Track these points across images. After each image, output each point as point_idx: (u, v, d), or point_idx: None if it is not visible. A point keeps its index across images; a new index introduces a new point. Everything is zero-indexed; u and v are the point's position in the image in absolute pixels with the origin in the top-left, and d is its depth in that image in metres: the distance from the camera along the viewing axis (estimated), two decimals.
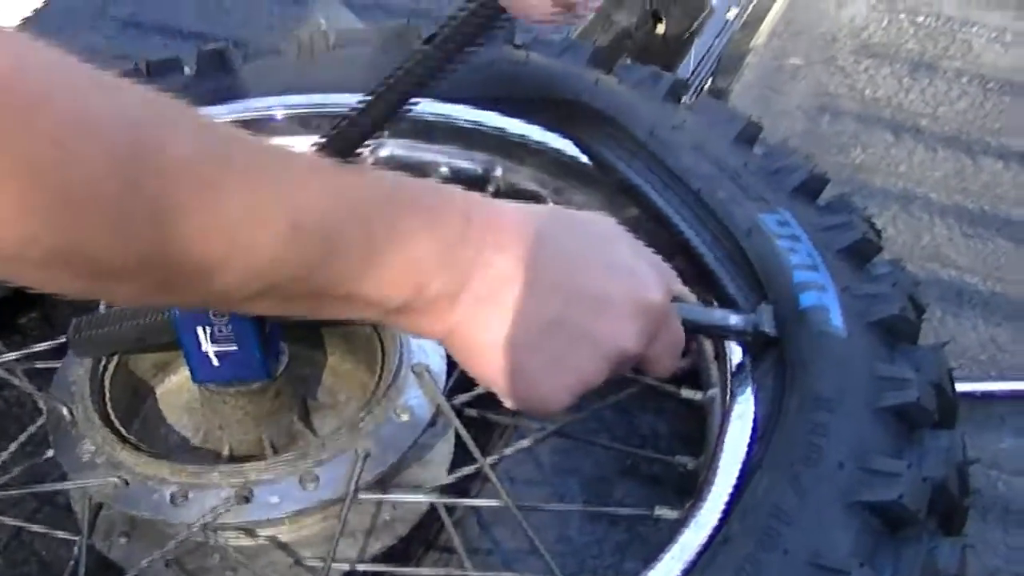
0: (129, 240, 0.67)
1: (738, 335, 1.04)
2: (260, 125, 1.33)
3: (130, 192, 0.66)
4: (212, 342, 1.05)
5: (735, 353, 1.08)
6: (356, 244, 0.77)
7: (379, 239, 0.79)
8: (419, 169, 1.33)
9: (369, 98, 0.91)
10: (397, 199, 0.81)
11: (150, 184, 0.67)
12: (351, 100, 1.20)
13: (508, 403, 0.91)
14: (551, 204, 1.23)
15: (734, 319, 1.04)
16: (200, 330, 1.04)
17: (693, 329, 1.00)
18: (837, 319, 1.02)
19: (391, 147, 1.34)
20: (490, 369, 0.86)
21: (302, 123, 1.34)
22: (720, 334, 1.06)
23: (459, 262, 0.82)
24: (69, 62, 0.65)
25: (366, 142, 0.92)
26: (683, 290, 0.99)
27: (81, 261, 0.67)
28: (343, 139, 0.91)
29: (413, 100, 0.91)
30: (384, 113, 0.91)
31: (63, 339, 1.15)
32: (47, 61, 0.65)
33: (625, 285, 0.88)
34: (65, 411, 1.12)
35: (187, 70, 1.41)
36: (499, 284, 0.83)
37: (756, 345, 1.04)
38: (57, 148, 0.63)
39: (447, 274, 0.82)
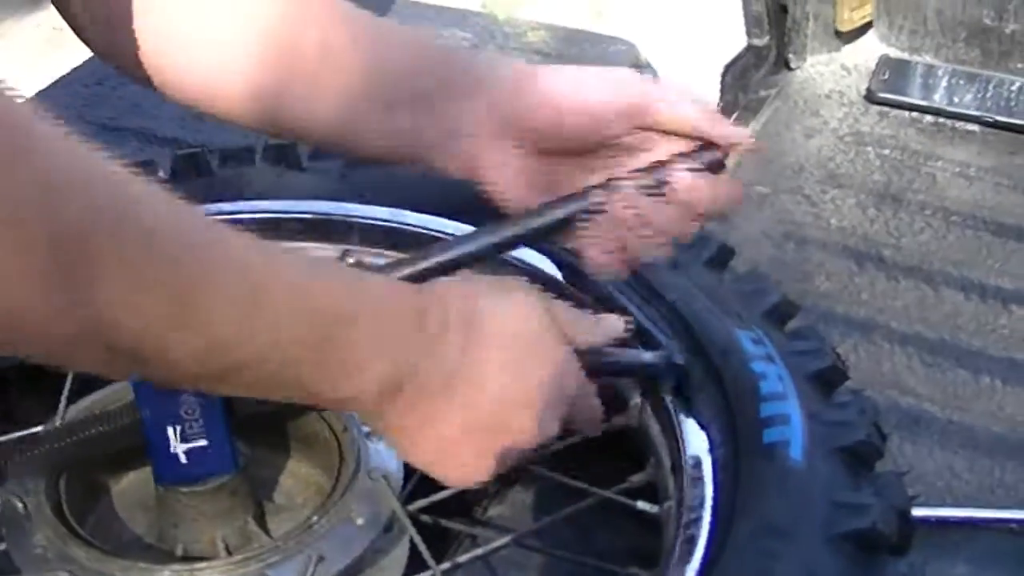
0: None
1: (653, 369, 1.08)
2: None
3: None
4: (182, 441, 1.05)
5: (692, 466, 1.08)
6: (308, 348, 0.84)
7: (334, 346, 0.86)
8: None
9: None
10: (353, 298, 0.87)
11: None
12: (325, 207, 1.22)
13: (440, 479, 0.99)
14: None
15: (647, 355, 1.08)
16: (171, 430, 1.04)
17: (614, 373, 1.05)
18: (797, 451, 1.04)
19: (358, 255, 1.35)
20: (424, 458, 0.96)
21: (274, 228, 1.35)
22: (638, 372, 1.09)
23: (403, 361, 0.89)
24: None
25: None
26: (597, 341, 1.02)
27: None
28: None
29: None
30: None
31: (22, 432, 1.15)
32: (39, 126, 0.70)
33: (545, 382, 0.95)
34: (19, 504, 1.11)
35: (161, 173, 1.43)
36: (433, 389, 0.91)
37: (669, 377, 1.08)
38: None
39: (389, 371, 0.89)
